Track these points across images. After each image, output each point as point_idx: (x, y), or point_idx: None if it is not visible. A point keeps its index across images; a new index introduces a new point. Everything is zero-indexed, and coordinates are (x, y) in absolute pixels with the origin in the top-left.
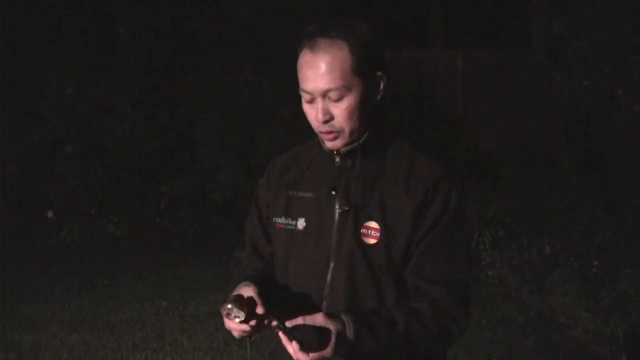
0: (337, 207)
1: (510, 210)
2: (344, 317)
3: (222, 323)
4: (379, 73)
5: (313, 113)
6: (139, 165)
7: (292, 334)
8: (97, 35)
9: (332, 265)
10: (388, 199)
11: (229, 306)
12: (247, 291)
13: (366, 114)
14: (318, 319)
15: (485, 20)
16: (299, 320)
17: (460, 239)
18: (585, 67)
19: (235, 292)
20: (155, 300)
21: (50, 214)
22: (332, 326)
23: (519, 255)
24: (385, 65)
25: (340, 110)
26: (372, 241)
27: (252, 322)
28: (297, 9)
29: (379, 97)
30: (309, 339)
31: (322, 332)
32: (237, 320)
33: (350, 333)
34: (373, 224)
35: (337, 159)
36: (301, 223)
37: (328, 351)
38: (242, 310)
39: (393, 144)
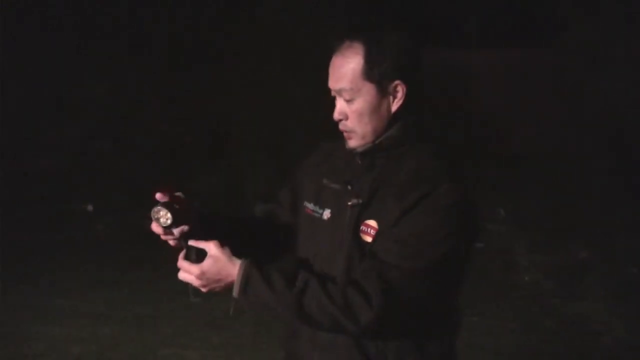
0: (349, 202)
1: (545, 214)
2: (243, 259)
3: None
4: (396, 82)
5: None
6: (173, 161)
7: (188, 248)
8: (132, 32)
9: (337, 257)
10: (389, 199)
11: (158, 208)
12: (186, 204)
13: (380, 119)
14: (211, 247)
15: (520, 20)
16: (202, 244)
17: (436, 236)
18: (621, 70)
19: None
20: (186, 295)
21: (90, 207)
22: (217, 253)
23: (553, 260)
24: (410, 75)
25: (351, 112)
26: (369, 239)
27: (176, 231)
28: (334, 8)
29: (396, 107)
30: (196, 259)
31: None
32: (163, 224)
33: (239, 272)
34: (372, 222)
35: (357, 157)
36: (327, 213)
37: (196, 269)
38: (170, 216)
39: (414, 146)
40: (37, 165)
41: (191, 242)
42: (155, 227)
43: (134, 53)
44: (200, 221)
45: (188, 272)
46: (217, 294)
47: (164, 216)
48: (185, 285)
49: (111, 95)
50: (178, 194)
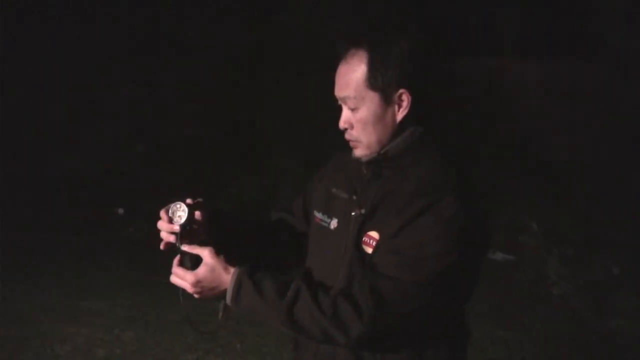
0: (353, 212)
1: (580, 227)
2: (236, 267)
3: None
4: (401, 90)
5: None
6: (206, 166)
7: (183, 254)
8: (167, 35)
9: (340, 267)
10: (391, 211)
11: (179, 205)
12: (201, 208)
13: (384, 129)
14: (206, 255)
15: (558, 30)
16: (197, 250)
17: (435, 250)
18: None
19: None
20: (212, 301)
21: (121, 211)
22: (212, 262)
23: (585, 274)
24: (416, 83)
25: (356, 121)
26: (370, 250)
27: (176, 229)
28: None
29: (401, 116)
30: (191, 265)
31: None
32: (176, 221)
33: (232, 280)
34: (374, 234)
35: (363, 167)
36: (334, 223)
37: (191, 276)
38: (185, 216)
39: (421, 156)
40: (69, 168)
41: (186, 248)
42: (163, 224)
43: (170, 57)
44: (207, 231)
45: (182, 279)
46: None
47: (180, 211)
48: (176, 288)
49: (145, 98)
50: (199, 200)
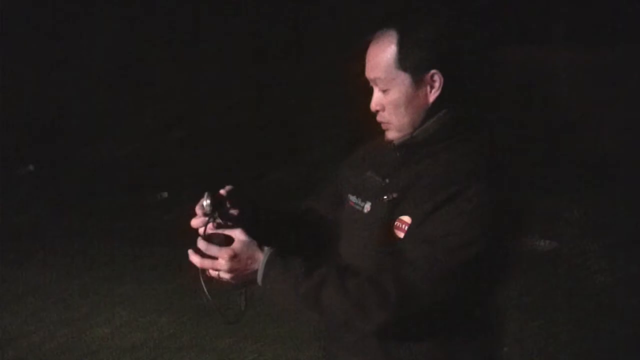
0: (385, 196)
1: (625, 220)
2: (267, 247)
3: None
4: (433, 71)
5: None
6: (247, 152)
7: (208, 238)
8: (210, 22)
9: (370, 252)
10: (421, 196)
11: (205, 195)
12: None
13: (416, 111)
14: (238, 233)
15: (610, 19)
16: (227, 231)
17: (464, 238)
18: None
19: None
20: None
21: (164, 195)
22: (247, 238)
23: (627, 265)
24: (448, 64)
25: (387, 103)
26: (401, 235)
27: (202, 217)
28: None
29: (433, 97)
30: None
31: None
32: (203, 209)
33: (263, 259)
34: (406, 218)
35: (395, 150)
36: (367, 207)
37: (228, 251)
38: (211, 204)
39: (453, 140)
40: (109, 154)
41: (212, 231)
42: (198, 210)
43: (213, 45)
44: (238, 219)
45: (218, 255)
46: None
47: (206, 199)
48: (197, 271)
49: (188, 85)
50: (230, 188)
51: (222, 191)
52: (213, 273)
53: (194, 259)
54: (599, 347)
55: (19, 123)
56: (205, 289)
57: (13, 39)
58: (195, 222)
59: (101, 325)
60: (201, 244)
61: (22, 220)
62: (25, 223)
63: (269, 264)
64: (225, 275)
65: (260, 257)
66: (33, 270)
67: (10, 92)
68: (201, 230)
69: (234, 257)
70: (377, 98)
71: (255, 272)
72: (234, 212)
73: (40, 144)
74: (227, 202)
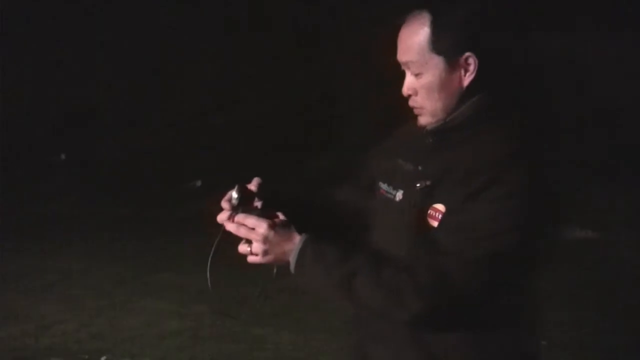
0: (418, 184)
1: None
2: (303, 233)
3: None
4: (467, 54)
5: None
6: (283, 140)
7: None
8: (246, 12)
9: (404, 241)
10: (456, 183)
11: (238, 187)
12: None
13: (450, 95)
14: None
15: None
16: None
17: (499, 226)
18: None
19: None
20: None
21: (198, 183)
22: (285, 219)
23: None
24: (483, 47)
25: (419, 87)
26: (435, 223)
27: (227, 206)
28: None
29: (468, 81)
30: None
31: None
32: (231, 200)
33: (298, 244)
34: (440, 207)
35: (428, 136)
36: (399, 195)
37: (267, 221)
38: (237, 197)
39: (488, 125)
40: (147, 142)
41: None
42: (224, 203)
43: (248, 32)
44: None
45: (255, 226)
46: None
47: (234, 192)
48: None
49: (223, 72)
50: (257, 180)
51: (252, 187)
52: (243, 249)
53: (230, 226)
54: (634, 337)
55: (51, 112)
56: (208, 276)
57: (43, 30)
58: (221, 218)
59: (136, 314)
60: (240, 216)
61: (57, 209)
62: (61, 212)
63: (303, 248)
64: (258, 249)
65: (296, 240)
66: (68, 258)
67: (43, 81)
68: (226, 224)
69: (272, 228)
70: (410, 82)
71: (288, 253)
72: (258, 205)
73: (73, 132)
74: (256, 198)
